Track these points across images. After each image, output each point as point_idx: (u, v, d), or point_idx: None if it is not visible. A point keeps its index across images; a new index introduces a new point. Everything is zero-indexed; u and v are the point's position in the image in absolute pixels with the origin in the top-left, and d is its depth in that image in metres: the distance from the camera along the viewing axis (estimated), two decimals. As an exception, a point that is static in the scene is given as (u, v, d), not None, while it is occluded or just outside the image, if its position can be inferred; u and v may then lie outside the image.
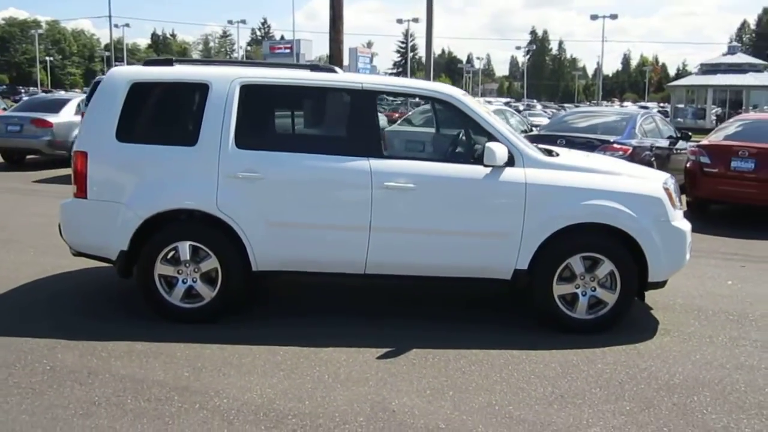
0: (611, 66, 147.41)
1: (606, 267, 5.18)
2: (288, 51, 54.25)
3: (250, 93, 5.22)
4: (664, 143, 11.59)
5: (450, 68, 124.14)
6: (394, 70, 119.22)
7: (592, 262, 5.20)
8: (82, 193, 5.24)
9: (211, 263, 5.19)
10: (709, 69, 44.04)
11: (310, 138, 5.58)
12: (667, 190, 5.32)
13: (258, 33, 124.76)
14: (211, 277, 5.23)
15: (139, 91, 5.25)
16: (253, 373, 4.43)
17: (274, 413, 3.91)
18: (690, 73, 59.35)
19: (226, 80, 5.20)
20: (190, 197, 5.17)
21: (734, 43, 52.56)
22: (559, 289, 5.22)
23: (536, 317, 5.38)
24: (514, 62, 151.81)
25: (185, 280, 5.23)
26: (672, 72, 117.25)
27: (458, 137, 5.57)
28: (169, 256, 5.21)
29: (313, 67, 5.53)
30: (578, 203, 5.14)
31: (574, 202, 5.14)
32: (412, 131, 5.90)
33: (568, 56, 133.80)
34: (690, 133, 13.05)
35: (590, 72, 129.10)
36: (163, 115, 5.46)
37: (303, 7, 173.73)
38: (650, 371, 4.62)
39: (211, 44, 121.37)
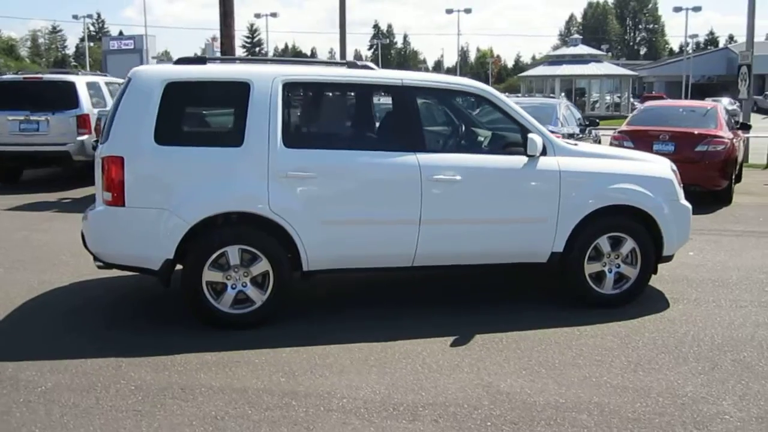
0: (451, 59, 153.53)
1: (629, 245, 5.65)
2: (131, 47, 51.67)
3: (292, 91, 5.15)
4: (578, 129, 12.50)
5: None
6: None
7: (616, 240, 5.64)
8: (118, 200, 4.93)
9: (262, 266, 5.07)
10: (554, 60, 47.46)
11: (355, 135, 5.58)
12: (674, 171, 5.89)
13: (91, 28, 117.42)
14: (261, 280, 5.11)
15: (175, 91, 5.00)
16: (348, 372, 4.43)
17: (403, 406, 3.96)
18: (527, 65, 63.28)
19: (267, 78, 5.09)
20: (241, 200, 5.03)
21: (575, 36, 56.81)
22: (589, 268, 5.63)
23: (556, 296, 5.77)
24: (358, 56, 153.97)
25: (234, 286, 5.08)
26: (510, 64, 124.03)
27: (494, 129, 5.80)
28: (216, 262, 5.03)
29: (350, 64, 5.54)
30: (606, 187, 5.56)
31: (603, 186, 5.56)
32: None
33: (412, 50, 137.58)
34: (598, 120, 14.14)
35: (431, 65, 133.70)
36: (202, 115, 5.26)
37: (134, 2, 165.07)
38: (691, 335, 5.12)
39: (41, 40, 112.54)
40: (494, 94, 5.57)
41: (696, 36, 70.35)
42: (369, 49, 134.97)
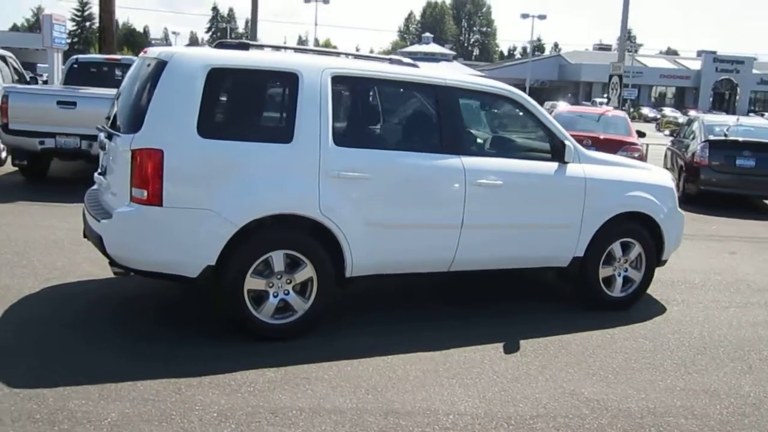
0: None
1: (636, 250, 5.90)
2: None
3: (340, 85, 4.83)
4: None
5: (129, 41, 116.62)
6: (70, 41, 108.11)
7: (625, 245, 5.87)
8: (154, 199, 4.35)
9: (306, 273, 4.72)
10: (406, 56, 48.42)
11: (403, 134, 5.30)
12: (674, 180, 6.23)
13: None
14: (302, 288, 4.76)
15: (218, 78, 4.51)
16: (430, 385, 4.25)
17: (514, 420, 3.87)
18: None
19: (316, 70, 4.73)
20: (292, 201, 4.64)
21: (428, 34, 58.44)
22: (603, 272, 5.81)
23: (558, 299, 5.93)
24: (194, 38, 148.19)
25: (276, 294, 4.69)
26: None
27: (529, 135, 5.79)
28: (257, 269, 4.61)
29: (392, 61, 5.27)
30: (623, 194, 5.77)
31: (620, 193, 5.76)
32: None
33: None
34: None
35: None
36: (248, 107, 4.76)
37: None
38: (712, 337, 5.45)
39: None
40: (527, 99, 5.57)
41: (535, 42, 74.95)
42: (207, 32, 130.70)
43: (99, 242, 4.57)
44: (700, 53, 73.74)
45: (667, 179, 6.19)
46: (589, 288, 5.82)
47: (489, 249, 5.34)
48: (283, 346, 4.63)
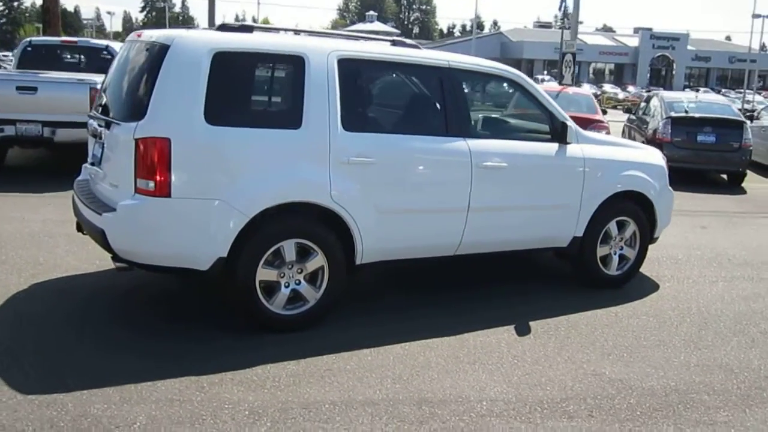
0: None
1: (631, 228, 5.97)
2: None
3: (346, 68, 4.68)
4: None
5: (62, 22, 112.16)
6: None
7: (620, 224, 5.93)
8: (162, 190, 4.15)
9: (317, 261, 4.60)
10: (352, 36, 47.97)
11: (410, 118, 5.16)
12: (664, 158, 6.31)
13: None
14: (312, 277, 4.64)
15: (223, 62, 4.30)
16: (454, 371, 4.20)
17: (546, 403, 3.87)
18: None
19: (322, 53, 4.58)
20: (303, 188, 4.50)
21: (372, 12, 57.97)
22: (600, 251, 5.86)
23: (553, 279, 5.97)
24: (127, 18, 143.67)
25: (287, 284, 4.56)
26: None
27: (529, 116, 5.75)
28: (268, 259, 4.47)
29: (394, 42, 5.14)
30: (619, 174, 5.82)
31: (617, 172, 5.80)
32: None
33: (189, 15, 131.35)
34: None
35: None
36: (255, 92, 4.59)
37: None
38: (710, 311, 5.56)
39: None
40: (526, 80, 5.53)
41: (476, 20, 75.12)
42: (141, 11, 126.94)
43: (101, 237, 4.33)
44: (637, 30, 75.46)
45: (658, 158, 6.27)
46: (588, 267, 5.87)
47: (494, 231, 5.31)
48: (296, 337, 4.52)
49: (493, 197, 5.21)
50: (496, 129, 5.74)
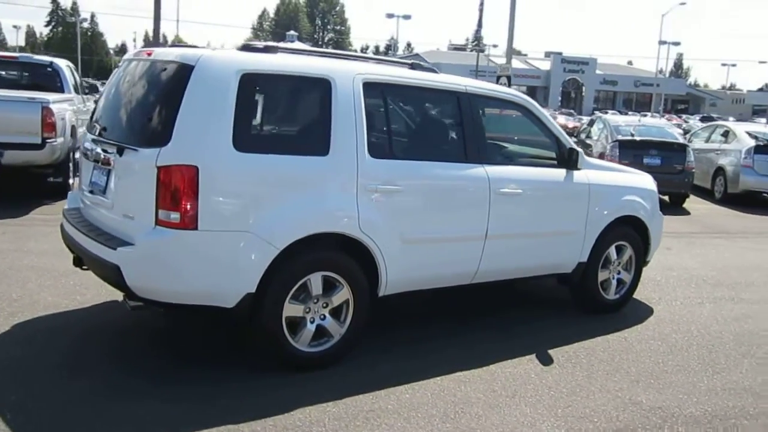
0: (140, 44, 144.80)
1: (628, 252, 6.04)
2: None
3: (371, 92, 4.51)
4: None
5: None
6: None
7: (619, 249, 5.99)
8: (188, 222, 3.84)
9: (343, 295, 4.39)
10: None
11: (432, 144, 4.98)
12: (655, 183, 6.43)
13: None
14: (338, 311, 4.42)
15: (251, 84, 4.05)
16: (498, 406, 4.08)
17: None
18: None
19: (347, 76, 4.39)
20: (333, 218, 4.27)
21: (292, 32, 57.50)
22: (601, 276, 5.89)
23: (553, 305, 5.96)
24: (31, 32, 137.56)
25: (313, 320, 4.32)
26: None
27: (539, 142, 5.70)
28: (294, 294, 4.22)
29: (413, 66, 4.99)
30: (620, 199, 5.87)
31: (618, 198, 5.86)
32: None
33: (98, 31, 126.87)
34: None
35: (111, 49, 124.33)
36: (282, 116, 4.33)
37: None
38: (710, 333, 5.66)
39: None
40: (536, 106, 5.51)
41: (390, 41, 75.98)
42: (47, 25, 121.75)
43: (114, 273, 3.95)
44: (548, 54, 78.33)
45: (650, 182, 6.39)
46: (589, 292, 5.88)
47: (508, 258, 5.24)
48: (320, 375, 4.28)
49: (509, 224, 5.13)
50: (507, 155, 5.68)
